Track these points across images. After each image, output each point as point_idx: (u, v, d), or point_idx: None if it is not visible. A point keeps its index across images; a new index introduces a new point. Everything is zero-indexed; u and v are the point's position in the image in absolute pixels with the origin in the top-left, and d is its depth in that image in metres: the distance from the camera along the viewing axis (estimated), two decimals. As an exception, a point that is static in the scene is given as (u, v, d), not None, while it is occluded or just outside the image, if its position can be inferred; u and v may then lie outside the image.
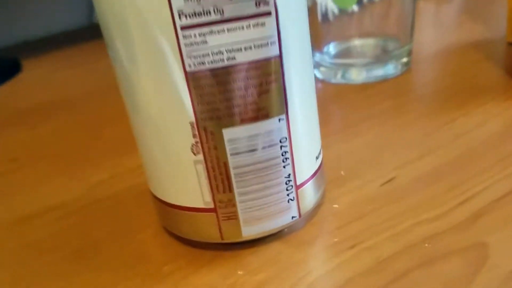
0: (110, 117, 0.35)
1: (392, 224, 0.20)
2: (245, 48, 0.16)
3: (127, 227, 0.23)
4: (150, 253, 0.21)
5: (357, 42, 0.35)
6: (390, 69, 0.33)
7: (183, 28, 0.16)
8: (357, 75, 0.33)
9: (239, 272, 0.19)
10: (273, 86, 0.17)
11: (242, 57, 0.16)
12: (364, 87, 0.33)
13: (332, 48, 0.34)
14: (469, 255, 0.19)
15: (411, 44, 0.34)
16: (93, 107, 0.37)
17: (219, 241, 0.20)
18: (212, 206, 0.19)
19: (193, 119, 0.17)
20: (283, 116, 0.18)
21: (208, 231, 0.19)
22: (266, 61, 0.17)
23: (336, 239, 0.20)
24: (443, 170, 0.23)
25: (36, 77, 0.47)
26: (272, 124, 0.18)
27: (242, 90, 0.17)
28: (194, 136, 0.18)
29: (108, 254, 0.21)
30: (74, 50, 0.53)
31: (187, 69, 0.16)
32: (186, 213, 0.19)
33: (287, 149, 0.19)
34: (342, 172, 0.24)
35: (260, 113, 0.18)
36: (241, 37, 0.16)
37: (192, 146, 0.18)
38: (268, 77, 0.17)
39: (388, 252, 0.19)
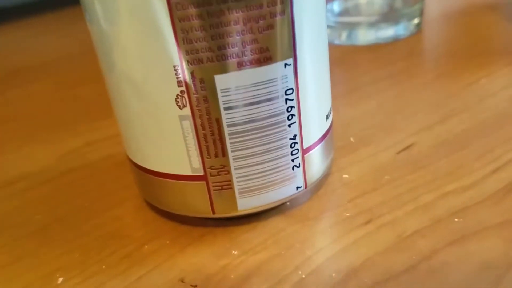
0: (85, 80, 0.32)
1: (413, 197, 0.17)
2: (244, -31, 0.13)
3: (102, 201, 0.19)
4: (129, 230, 0.18)
5: (363, 0, 0.31)
6: (400, 29, 0.30)
7: None
8: (364, 36, 0.30)
9: (233, 252, 0.16)
10: (279, 20, 0.14)
11: (240, -19, 0.13)
12: (372, 48, 0.30)
13: (336, 5, 0.31)
14: (507, 232, 0.15)
15: (423, 2, 0.31)
16: (67, 71, 0.34)
17: (210, 215, 0.16)
18: (201, 173, 0.16)
19: (177, 62, 0.14)
20: (290, 61, 0.15)
21: (197, 203, 0.16)
22: (270, -13, 0.13)
23: (348, 214, 0.17)
24: (468, 135, 0.20)
25: (9, 43, 0.43)
26: (277, 70, 0.15)
27: (240, 24, 0.13)
28: (179, 84, 0.14)
29: (79, 231, 0.18)
30: (49, 17, 0.49)
31: (170, -6, 0.13)
32: (170, 182, 0.16)
33: (294, 103, 0.15)
34: (351, 139, 0.21)
35: (262, 56, 0.14)
36: (239, -46, 0.13)
37: (177, 97, 0.14)
38: (273, 7, 0.14)
39: (412, 228, 0.16)
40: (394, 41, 0.30)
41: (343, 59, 0.29)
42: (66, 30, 0.44)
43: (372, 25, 0.30)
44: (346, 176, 0.19)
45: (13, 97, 0.31)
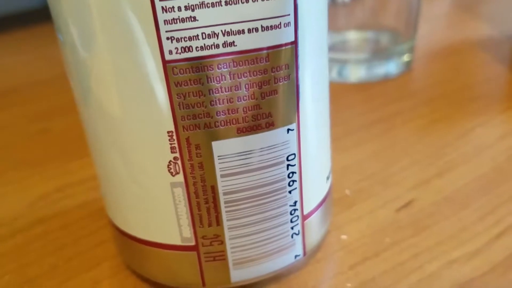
0: (58, 110, 0.30)
1: (418, 265, 0.16)
2: (250, 30, 0.12)
3: (76, 260, 0.18)
4: (106, 296, 0.16)
5: (352, 35, 0.30)
6: (391, 67, 0.29)
7: (163, -4, 0.11)
8: (354, 73, 0.29)
9: (225, 329, 0.15)
10: (283, 85, 0.13)
11: (245, 43, 0.12)
12: (363, 86, 0.29)
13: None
14: (519, 308, 0.15)
15: (414, 40, 0.30)
16: (39, 99, 0.32)
17: (200, 287, 0.15)
18: (192, 243, 0.14)
19: (172, 127, 0.12)
20: (293, 126, 0.13)
21: (186, 274, 0.15)
22: (277, 49, 0.12)
23: (349, 284, 0.16)
24: (468, 192, 0.19)
25: (-23, 61, 0.40)
26: (279, 135, 0.13)
27: (242, 89, 0.12)
28: (172, 150, 0.13)
29: (50, 298, 0.16)
30: (22, 34, 0.47)
31: (167, 57, 0.12)
32: (156, 251, 0.15)
33: (296, 169, 0.14)
34: (347, 191, 0.20)
35: (264, 121, 0.13)
36: (244, 14, 0.11)
37: (170, 163, 0.13)
38: (277, 72, 0.12)
39: (418, 303, 0.15)
40: (385, 80, 0.29)
41: (335, 97, 0.28)
42: (40, 50, 0.41)
43: (362, 62, 0.29)
44: (345, 237, 0.18)
45: (-20, 127, 0.29)
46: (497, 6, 0.42)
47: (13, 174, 0.23)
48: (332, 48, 0.30)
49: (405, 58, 0.30)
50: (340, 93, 0.28)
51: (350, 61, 0.29)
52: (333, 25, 0.30)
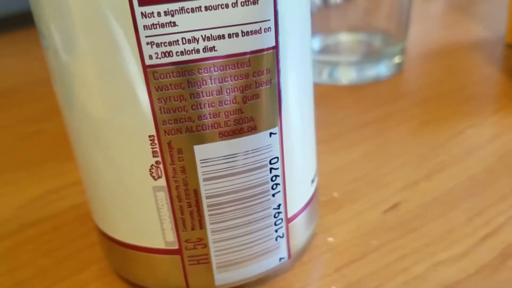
0: (54, 111, 0.30)
1: (404, 267, 0.16)
2: (230, 35, 0.12)
3: (66, 263, 0.18)
4: (93, 299, 0.16)
5: (344, 37, 0.30)
6: (382, 69, 0.29)
7: (142, 2, 0.11)
8: (345, 75, 0.29)
9: (210, 332, 0.15)
10: (265, 90, 0.13)
11: (225, 48, 0.12)
12: (354, 88, 0.29)
13: (316, 42, 0.30)
14: (503, 310, 0.15)
15: (405, 42, 0.30)
16: (35, 101, 0.32)
17: (185, 290, 0.15)
18: (176, 246, 0.14)
19: (153, 131, 0.12)
20: (276, 130, 0.13)
21: (170, 278, 0.15)
22: (257, 54, 0.12)
23: (335, 287, 0.16)
24: (458, 193, 0.19)
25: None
26: (261, 139, 0.13)
27: (223, 93, 0.12)
28: (154, 154, 0.13)
29: (37, 301, 0.16)
30: (20, 35, 0.47)
31: (147, 61, 0.12)
32: (140, 255, 0.15)
33: (279, 172, 0.14)
34: (335, 194, 0.20)
35: (246, 125, 0.13)
36: (224, 19, 0.11)
37: (152, 167, 0.13)
38: (259, 76, 0.12)
39: (403, 305, 0.15)
40: (376, 82, 0.29)
41: (326, 99, 0.28)
42: (36, 51, 0.41)
43: (353, 64, 0.29)
44: (331, 239, 0.18)
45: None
46: (489, 7, 0.42)
47: (7, 176, 0.23)
48: (323, 50, 0.30)
49: (396, 60, 0.30)
50: (331, 95, 0.28)
51: (341, 63, 0.29)
52: (325, 27, 0.30)
